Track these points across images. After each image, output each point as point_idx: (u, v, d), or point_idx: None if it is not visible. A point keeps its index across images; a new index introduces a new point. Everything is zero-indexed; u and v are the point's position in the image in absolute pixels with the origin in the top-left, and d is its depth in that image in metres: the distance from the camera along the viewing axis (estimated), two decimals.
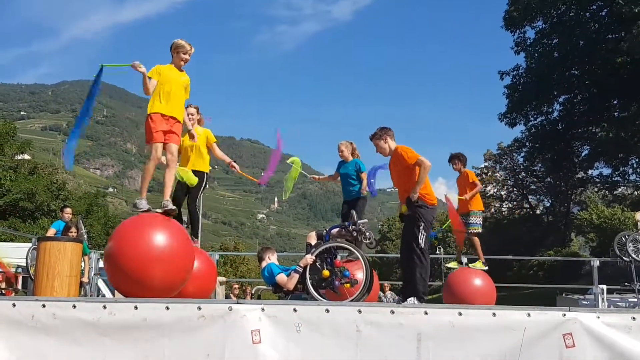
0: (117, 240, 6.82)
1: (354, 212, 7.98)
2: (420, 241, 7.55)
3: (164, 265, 6.61)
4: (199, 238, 9.92)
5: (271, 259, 7.90)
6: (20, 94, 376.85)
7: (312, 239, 7.91)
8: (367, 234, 7.62)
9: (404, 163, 7.85)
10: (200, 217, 10.12)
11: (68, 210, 13.49)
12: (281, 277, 7.44)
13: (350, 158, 10.35)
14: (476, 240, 10.85)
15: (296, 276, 7.31)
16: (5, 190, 38.97)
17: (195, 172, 9.03)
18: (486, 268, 10.84)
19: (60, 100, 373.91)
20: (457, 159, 11.29)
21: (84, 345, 5.58)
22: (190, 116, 9.11)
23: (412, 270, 7.56)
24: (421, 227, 7.60)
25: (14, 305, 5.75)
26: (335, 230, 7.88)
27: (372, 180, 10.35)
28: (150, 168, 7.48)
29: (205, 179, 9.56)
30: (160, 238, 6.72)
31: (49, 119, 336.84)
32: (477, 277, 10.45)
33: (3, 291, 13.56)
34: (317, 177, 11.90)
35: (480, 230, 10.94)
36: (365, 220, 7.89)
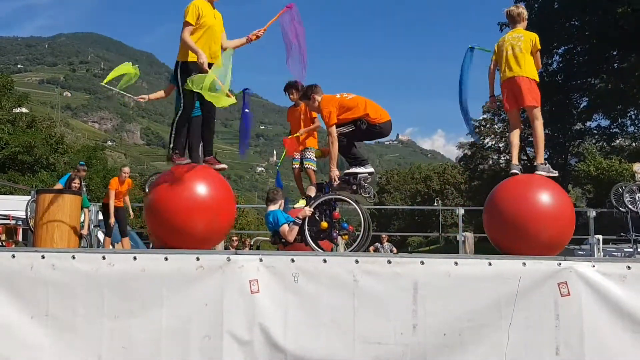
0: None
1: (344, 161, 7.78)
2: None
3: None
4: None
5: (281, 206, 7.84)
6: (17, 47, 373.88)
7: (312, 192, 7.89)
8: (367, 187, 7.57)
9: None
10: None
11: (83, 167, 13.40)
12: (284, 228, 7.37)
13: None
14: (312, 175, 9.75)
15: (296, 228, 7.27)
16: (4, 143, 38.95)
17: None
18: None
19: (57, 53, 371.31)
20: (294, 88, 9.35)
21: (82, 296, 5.64)
22: None
23: None
24: None
25: (13, 256, 5.79)
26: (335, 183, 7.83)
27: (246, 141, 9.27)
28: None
29: None
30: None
31: (46, 72, 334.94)
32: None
33: (3, 242, 13.63)
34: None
35: (315, 167, 9.83)
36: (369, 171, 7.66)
